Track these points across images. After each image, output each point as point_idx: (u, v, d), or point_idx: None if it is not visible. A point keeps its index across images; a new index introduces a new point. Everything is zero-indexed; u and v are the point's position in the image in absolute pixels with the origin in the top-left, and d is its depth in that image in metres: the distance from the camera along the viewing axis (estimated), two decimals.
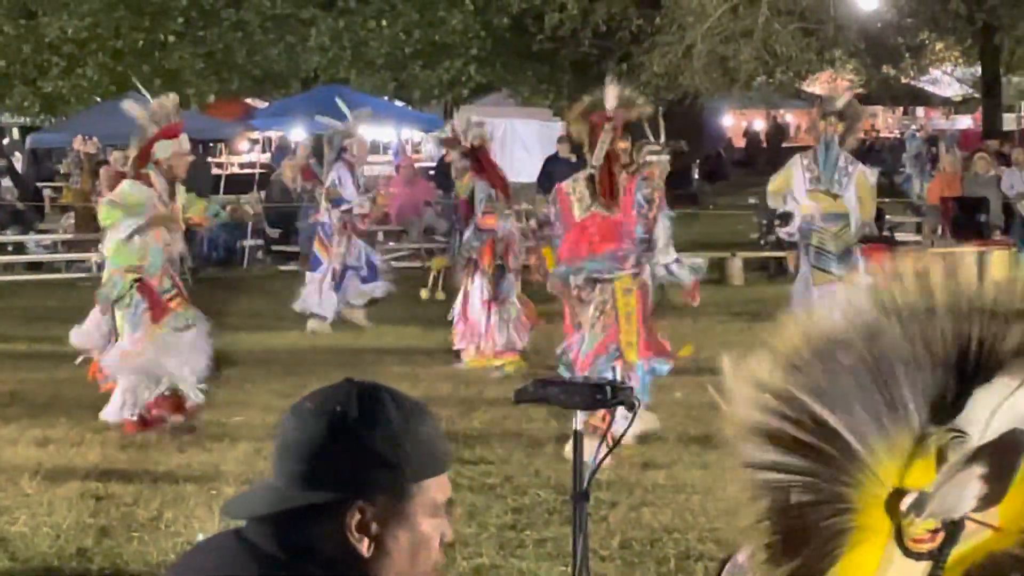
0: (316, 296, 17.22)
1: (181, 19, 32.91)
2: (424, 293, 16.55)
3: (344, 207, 17.05)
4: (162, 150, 11.41)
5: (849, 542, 2.49)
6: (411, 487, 2.52)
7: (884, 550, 2.50)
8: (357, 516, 2.48)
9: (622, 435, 5.34)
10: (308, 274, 17.65)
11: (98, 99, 32.98)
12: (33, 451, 10.89)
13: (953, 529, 2.46)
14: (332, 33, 33.24)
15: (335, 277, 17.17)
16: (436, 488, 2.57)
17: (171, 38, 32.95)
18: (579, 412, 5.66)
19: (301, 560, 2.46)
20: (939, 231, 24.09)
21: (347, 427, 2.50)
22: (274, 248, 25.58)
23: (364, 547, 2.48)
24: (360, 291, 17.46)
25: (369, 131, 37.12)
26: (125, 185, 11.60)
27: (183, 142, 11.59)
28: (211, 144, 40.51)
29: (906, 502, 2.45)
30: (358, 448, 2.50)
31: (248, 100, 40.45)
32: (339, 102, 18.07)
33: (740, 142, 55.68)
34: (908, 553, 2.49)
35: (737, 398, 2.57)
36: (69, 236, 24.97)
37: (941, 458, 2.47)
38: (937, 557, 2.48)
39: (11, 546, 8.52)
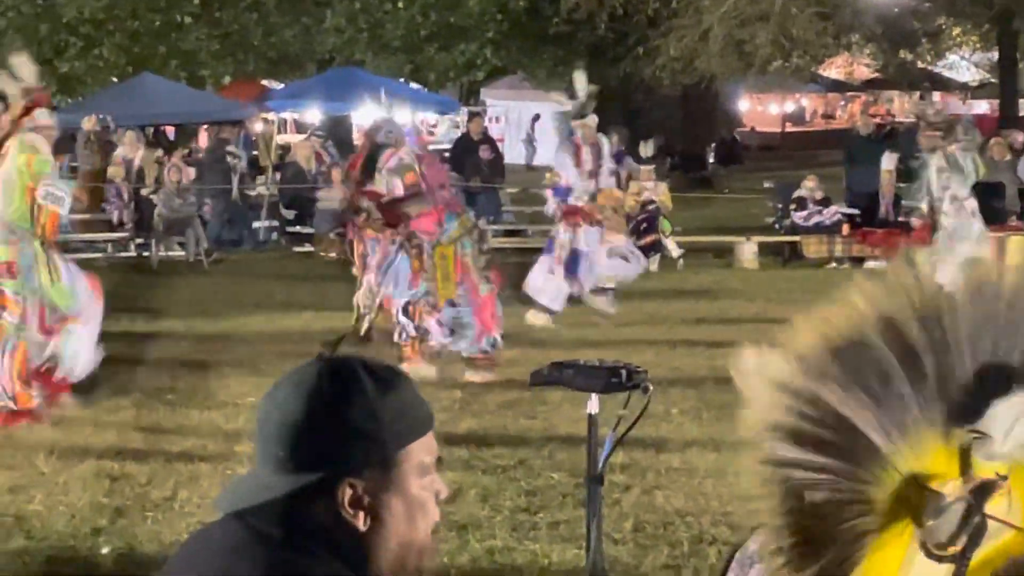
0: (540, 282, 16.24)
1: (197, 0, 32.88)
2: None
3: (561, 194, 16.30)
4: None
5: (870, 545, 2.48)
6: (396, 454, 2.51)
7: (906, 552, 2.49)
8: (348, 492, 2.47)
9: (636, 420, 5.33)
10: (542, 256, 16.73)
11: (114, 79, 32.95)
12: (48, 431, 10.89)
13: (976, 532, 2.45)
14: (348, 14, 33.19)
15: (563, 266, 16.18)
16: (421, 450, 2.55)
17: (187, 19, 32.89)
18: (594, 395, 5.67)
19: (302, 540, 2.46)
20: None
21: (323, 405, 2.48)
22: (288, 230, 25.59)
23: (360, 521, 2.48)
24: (600, 276, 16.49)
25: (379, 114, 37.16)
26: None
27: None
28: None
29: (929, 506, 2.44)
30: (337, 424, 2.48)
31: (264, 81, 40.45)
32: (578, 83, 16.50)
33: (765, 127, 55.35)
34: (930, 555, 2.47)
35: (756, 396, 2.56)
36: (87, 216, 24.89)
37: (964, 456, 2.46)
38: (960, 560, 2.46)
39: (27, 524, 8.54)
